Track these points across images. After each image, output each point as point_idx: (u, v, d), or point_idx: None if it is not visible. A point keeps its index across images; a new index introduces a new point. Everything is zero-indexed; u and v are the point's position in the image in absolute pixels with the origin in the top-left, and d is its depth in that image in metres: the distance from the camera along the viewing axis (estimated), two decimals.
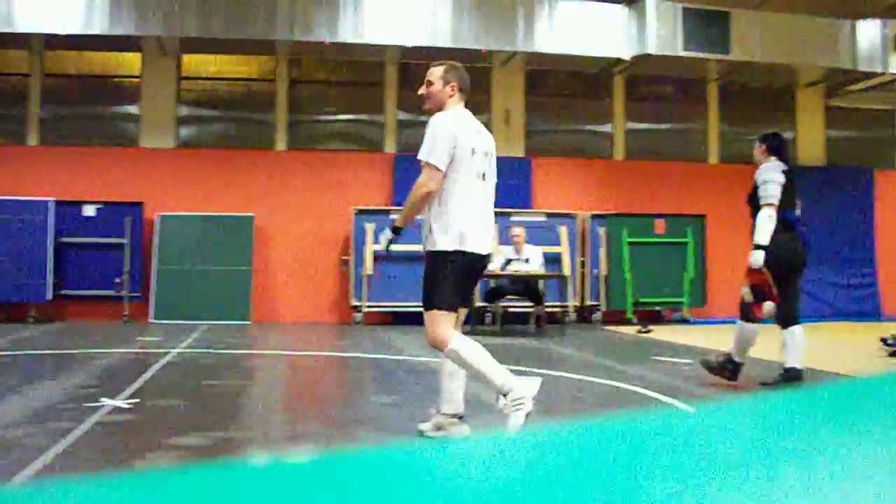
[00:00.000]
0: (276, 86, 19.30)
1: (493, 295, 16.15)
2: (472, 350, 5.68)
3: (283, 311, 18.54)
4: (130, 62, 19.24)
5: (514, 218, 18.18)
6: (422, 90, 6.39)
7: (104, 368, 9.89)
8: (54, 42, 18.09)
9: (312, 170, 18.89)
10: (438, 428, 5.99)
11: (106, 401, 7.39)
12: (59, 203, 17.35)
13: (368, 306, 17.80)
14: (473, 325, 16.69)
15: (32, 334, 14.58)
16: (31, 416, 6.74)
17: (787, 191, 8.25)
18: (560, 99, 20.27)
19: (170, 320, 17.30)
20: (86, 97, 19.28)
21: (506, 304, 16.39)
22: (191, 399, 7.81)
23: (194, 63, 19.39)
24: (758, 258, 8.12)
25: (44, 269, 16.93)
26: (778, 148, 8.49)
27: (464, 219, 5.81)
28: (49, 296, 17.04)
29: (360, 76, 19.59)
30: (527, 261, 15.59)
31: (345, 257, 18.32)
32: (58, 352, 12.07)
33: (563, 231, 18.43)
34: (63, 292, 17.61)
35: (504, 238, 17.18)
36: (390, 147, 19.36)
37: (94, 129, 19.22)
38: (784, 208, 8.19)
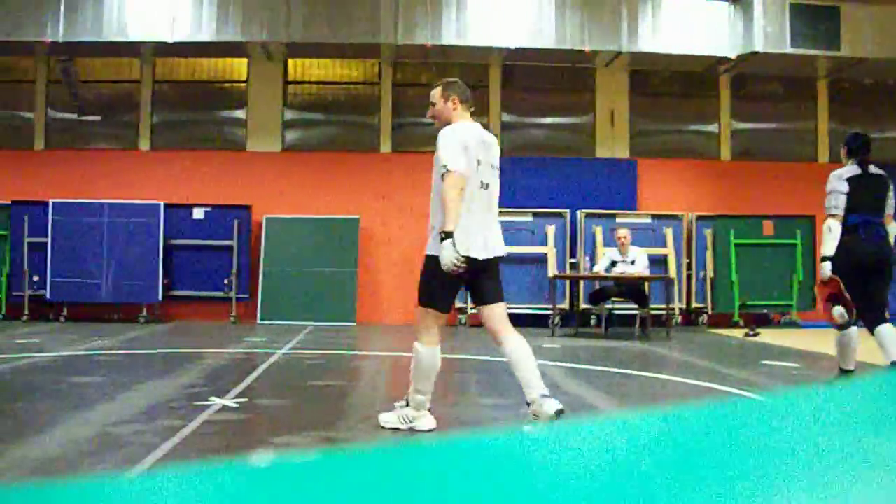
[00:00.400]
0: (381, 89, 19.45)
1: (597, 297, 16.03)
2: (428, 361, 6.33)
3: (388, 313, 18.64)
4: (237, 68, 19.57)
5: (619, 219, 18.03)
6: (429, 113, 6.66)
7: (213, 368, 10.05)
8: (164, 49, 18.48)
9: (417, 172, 18.93)
10: (535, 415, 6.24)
11: (214, 400, 7.51)
12: (169, 206, 17.71)
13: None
14: (578, 327, 16.63)
15: (143, 334, 14.89)
16: (142, 414, 6.88)
17: (856, 193, 8.09)
18: (665, 99, 20.04)
19: (276, 321, 17.54)
20: (194, 103, 19.67)
21: (610, 306, 16.26)
22: (297, 399, 7.89)
23: (299, 67, 19.63)
24: (824, 270, 8.13)
25: (154, 270, 17.29)
26: (857, 149, 8.32)
27: (461, 226, 6.07)
28: (159, 297, 17.40)
29: (463, 78, 19.50)
30: (632, 263, 15.43)
31: None
32: (168, 351, 12.31)
33: (669, 233, 18.21)
34: (173, 293, 17.97)
35: (609, 240, 17.06)
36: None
37: (202, 133, 19.60)
38: (849, 212, 8.05)
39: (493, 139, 6.56)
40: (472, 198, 6.19)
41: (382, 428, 6.47)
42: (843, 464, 0.74)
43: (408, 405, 6.38)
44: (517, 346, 6.27)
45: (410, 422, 6.32)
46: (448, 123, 6.48)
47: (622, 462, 0.69)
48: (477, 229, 6.19)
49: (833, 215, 8.07)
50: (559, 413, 6.02)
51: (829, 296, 8.24)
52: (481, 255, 6.20)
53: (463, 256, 6.02)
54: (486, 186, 6.32)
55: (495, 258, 6.37)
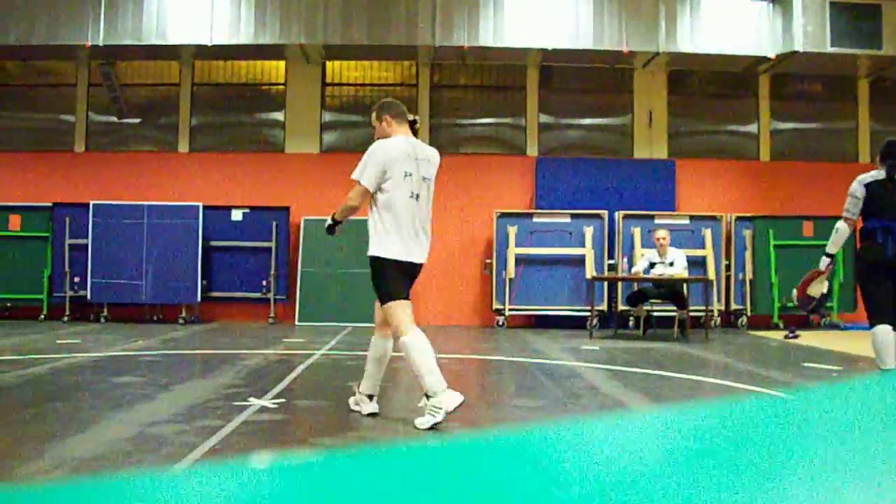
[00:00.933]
0: (418, 90, 19.47)
1: (636, 299, 15.96)
2: (420, 345, 6.58)
3: (426, 314, 18.65)
4: (276, 70, 19.67)
5: (657, 221, 17.94)
6: (374, 136, 7.06)
7: (251, 369, 10.10)
8: (203, 52, 18.60)
9: (454, 173, 18.96)
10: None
11: (253, 400, 7.55)
12: (207, 208, 17.82)
13: (511, 309, 17.80)
14: (616, 329, 16.57)
15: (182, 335, 14.99)
16: (182, 414, 6.93)
17: (877, 198, 8.12)
18: (703, 99, 19.91)
19: (314, 322, 17.60)
20: (233, 105, 19.80)
21: (649, 307, 16.19)
22: (335, 400, 7.91)
23: (337, 69, 19.70)
24: (820, 265, 8.73)
25: (194, 272, 17.40)
26: (885, 155, 8.34)
27: (393, 233, 6.70)
28: (198, 298, 17.51)
29: (501, 79, 19.60)
30: (671, 264, 15.35)
31: (487, 260, 18.36)
32: (207, 352, 12.38)
33: (708, 234, 18.10)
34: (212, 294, 18.08)
35: (647, 241, 16.99)
36: (532, 150, 19.31)
37: (241, 135, 19.72)
38: (870, 216, 8.14)
39: (428, 153, 7.00)
40: (402, 208, 6.71)
41: (417, 429, 6.48)
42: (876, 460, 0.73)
43: (428, 398, 6.47)
44: (389, 346, 7.05)
45: (439, 408, 6.40)
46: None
47: (639, 460, 0.69)
48: (409, 238, 6.75)
49: (844, 218, 8.30)
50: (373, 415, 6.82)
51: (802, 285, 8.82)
52: (411, 260, 6.77)
53: (405, 262, 6.70)
54: (416, 197, 6.79)
55: (420, 264, 6.92)
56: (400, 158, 6.70)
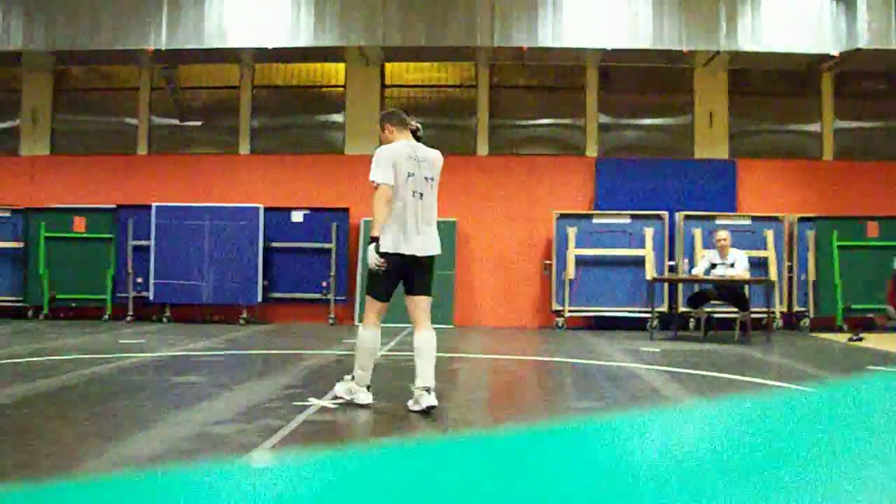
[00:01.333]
0: (477, 92, 19.46)
1: (696, 300, 15.83)
2: (370, 341, 7.44)
3: (485, 315, 18.65)
4: (335, 72, 19.77)
5: (718, 221, 17.75)
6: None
7: (311, 369, 10.16)
8: (263, 55, 18.75)
9: (514, 174, 18.96)
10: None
11: (313, 400, 7.60)
12: (268, 209, 17.94)
13: (570, 310, 17.72)
14: (676, 330, 16.43)
15: (243, 335, 15.11)
16: (242, 413, 6.98)
17: None
18: (765, 98, 19.67)
19: None
20: (293, 107, 19.94)
21: (710, 309, 16.03)
22: (394, 400, 7.92)
23: (396, 71, 19.75)
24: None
25: (254, 273, 17.53)
26: None
27: (390, 228, 7.28)
28: (259, 298, 17.63)
29: (560, 80, 19.53)
30: (732, 265, 15.18)
31: (547, 261, 18.30)
32: (267, 352, 12.48)
33: (770, 235, 17.88)
34: (272, 295, 18.21)
35: (708, 242, 16.83)
36: (592, 151, 19.21)
37: (300, 137, 19.86)
38: None
39: (429, 155, 7.54)
40: (404, 205, 7.27)
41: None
42: None
43: (353, 380, 7.53)
44: (427, 339, 7.43)
45: (352, 396, 7.48)
46: None
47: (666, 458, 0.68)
48: (409, 232, 7.28)
49: None
50: (430, 408, 7.09)
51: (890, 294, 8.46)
52: (410, 252, 7.28)
53: (392, 253, 7.23)
54: (420, 196, 7.36)
55: (426, 257, 7.40)
56: (402, 160, 7.30)
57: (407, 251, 7.28)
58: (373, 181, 7.28)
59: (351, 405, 7.46)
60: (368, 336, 7.43)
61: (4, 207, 18.84)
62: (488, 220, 18.87)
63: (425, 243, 7.37)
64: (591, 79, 19.34)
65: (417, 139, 7.63)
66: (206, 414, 6.97)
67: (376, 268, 7.26)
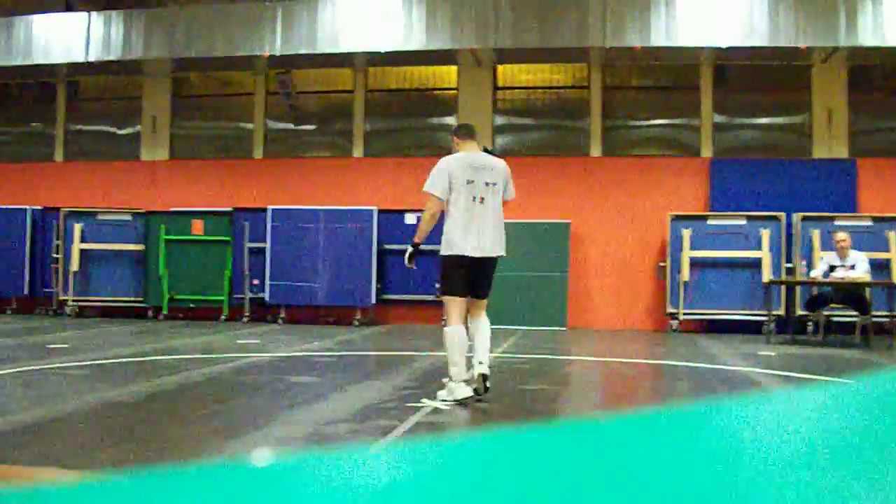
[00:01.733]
0: (590, 93, 19.32)
1: (814, 303, 15.47)
2: (456, 339, 7.68)
3: (598, 318, 18.51)
4: (447, 75, 19.84)
5: (837, 222, 17.29)
6: None
7: (424, 370, 10.19)
8: (376, 59, 18.92)
9: (627, 175, 18.78)
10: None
11: (426, 402, 7.61)
12: (381, 212, 18.05)
13: (685, 313, 17.47)
14: (794, 334, 16.08)
15: (357, 337, 15.25)
16: (356, 414, 7.03)
17: None
18: (888, 95, 19.10)
19: None
20: (406, 110, 20.08)
21: (828, 313, 15.66)
22: (507, 402, 7.91)
23: (508, 73, 19.73)
24: None
25: (368, 274, 17.67)
26: None
27: (454, 231, 7.81)
28: (373, 300, 17.76)
29: (673, 80, 19.28)
30: (852, 267, 14.79)
31: (661, 263, 18.07)
32: (381, 353, 12.57)
33: (892, 236, 17.36)
34: (385, 297, 18.32)
35: (826, 243, 16.42)
36: (706, 151, 18.90)
37: (413, 140, 19.98)
38: None
39: (489, 162, 8.02)
40: (466, 209, 7.76)
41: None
42: None
43: (450, 380, 7.70)
44: (482, 325, 7.97)
45: (451, 394, 7.63)
46: None
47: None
48: (470, 234, 7.76)
49: None
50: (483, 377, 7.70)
51: None
52: (472, 255, 7.76)
53: (457, 255, 7.77)
54: (482, 200, 7.81)
55: (487, 258, 7.89)
56: (460, 167, 7.83)
57: (469, 253, 7.77)
58: (425, 191, 7.88)
59: (463, 406, 7.46)
60: (453, 333, 7.71)
61: (126, 210, 19.35)
62: (602, 222, 18.72)
63: (485, 245, 7.83)
64: (706, 78, 19.03)
65: (489, 153, 8.32)
66: (320, 414, 7.04)
67: (407, 266, 8.28)
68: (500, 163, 8.11)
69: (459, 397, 7.52)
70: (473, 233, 7.76)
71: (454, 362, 7.63)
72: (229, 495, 0.59)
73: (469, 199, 7.77)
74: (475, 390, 7.59)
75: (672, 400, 8.79)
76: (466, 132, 8.26)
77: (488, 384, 7.71)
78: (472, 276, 7.88)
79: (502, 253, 7.98)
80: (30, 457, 5.31)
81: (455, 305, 7.82)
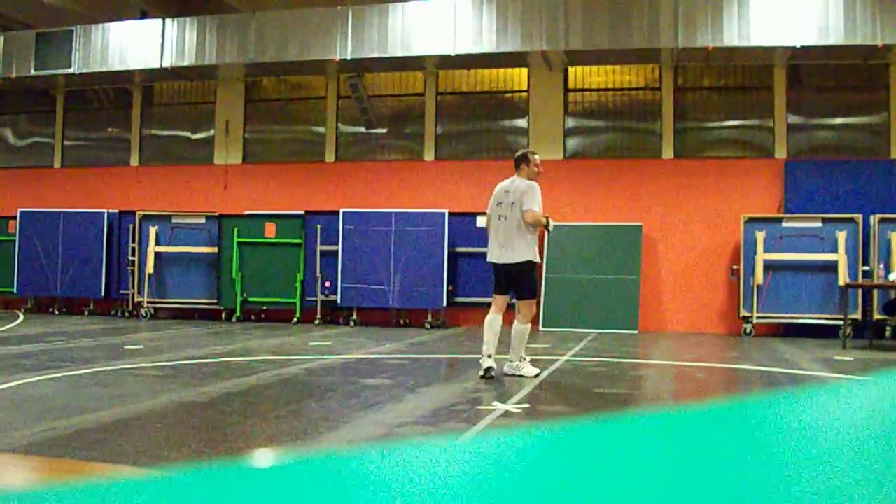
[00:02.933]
0: (662, 94, 19.16)
1: (893, 307, 15.20)
2: (485, 324, 9.99)
3: (671, 321, 18.36)
4: (518, 77, 19.81)
5: None
6: None
7: (496, 373, 10.18)
8: (446, 62, 18.96)
9: (700, 177, 18.60)
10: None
11: (497, 405, 7.61)
12: (453, 215, 18.07)
13: (759, 317, 17.25)
14: (871, 339, 15.80)
15: (428, 339, 15.28)
16: (428, 416, 7.05)
17: None
18: None
19: (558, 328, 17.59)
20: (476, 113, 20.07)
21: None
22: (579, 406, 7.88)
23: (579, 75, 19.64)
24: None
25: (440, 277, 17.69)
26: None
27: (489, 243, 10.14)
28: (444, 303, 17.78)
29: (746, 80, 19.03)
30: None
31: (735, 266, 17.85)
32: (452, 356, 12.58)
33: None
34: (457, 300, 18.33)
35: None
36: (780, 152, 18.64)
37: (484, 143, 19.97)
38: None
39: (511, 186, 9.94)
40: (496, 226, 9.93)
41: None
42: None
43: (522, 360, 10.02)
44: (514, 324, 9.94)
45: (527, 370, 9.93)
46: None
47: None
48: (496, 245, 9.93)
49: None
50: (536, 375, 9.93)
51: None
52: (496, 261, 9.95)
53: (489, 262, 10.12)
54: (504, 218, 9.81)
55: (505, 264, 9.84)
56: (495, 193, 10.09)
57: (491, 259, 10.07)
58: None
59: (536, 410, 7.44)
60: (487, 320, 10.04)
61: (200, 214, 19.60)
62: (674, 225, 18.56)
63: (503, 254, 9.84)
64: (779, 78, 18.76)
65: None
66: (392, 415, 7.07)
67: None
68: (518, 184, 9.87)
69: (530, 374, 9.85)
70: (495, 245, 9.97)
71: (484, 340, 9.79)
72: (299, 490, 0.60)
73: (497, 217, 9.94)
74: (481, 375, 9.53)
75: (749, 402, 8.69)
76: (514, 160, 10.29)
77: (491, 375, 9.53)
78: (497, 278, 10.09)
79: (510, 261, 9.78)
80: (105, 454, 5.42)
81: (494, 301, 10.10)
